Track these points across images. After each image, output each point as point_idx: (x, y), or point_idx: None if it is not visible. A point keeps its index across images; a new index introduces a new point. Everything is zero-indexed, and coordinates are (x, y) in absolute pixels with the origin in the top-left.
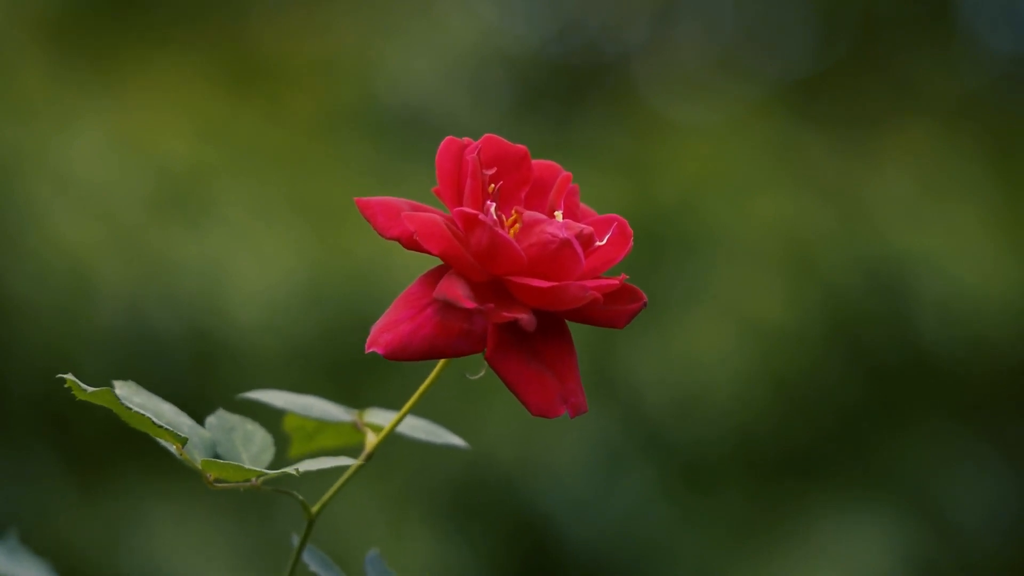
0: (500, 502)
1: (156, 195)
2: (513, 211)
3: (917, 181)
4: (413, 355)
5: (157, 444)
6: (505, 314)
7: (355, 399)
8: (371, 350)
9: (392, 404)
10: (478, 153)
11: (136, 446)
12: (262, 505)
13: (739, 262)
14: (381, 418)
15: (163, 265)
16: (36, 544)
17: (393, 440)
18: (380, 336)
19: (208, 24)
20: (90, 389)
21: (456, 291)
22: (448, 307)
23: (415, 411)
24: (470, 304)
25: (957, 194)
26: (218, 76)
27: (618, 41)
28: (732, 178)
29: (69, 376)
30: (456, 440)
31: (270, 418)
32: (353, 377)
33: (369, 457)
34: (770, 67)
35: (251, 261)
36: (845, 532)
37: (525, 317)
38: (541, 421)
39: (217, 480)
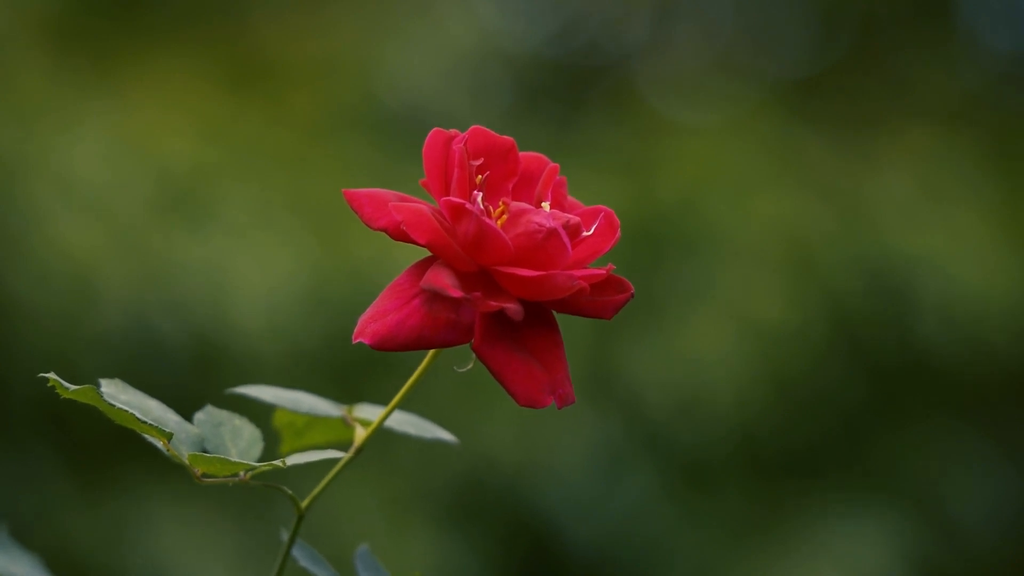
0: (501, 502)
1: (158, 197)
2: (500, 202)
3: (917, 181)
4: (400, 345)
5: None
6: (492, 303)
7: (358, 401)
8: (358, 340)
9: (398, 408)
10: (465, 144)
11: (137, 446)
12: (264, 505)
13: (740, 262)
14: (370, 413)
15: (165, 267)
16: (37, 544)
17: (394, 441)
18: (367, 326)
19: (209, 25)
20: (72, 387)
21: (443, 280)
22: (435, 297)
23: (410, 407)
24: (457, 293)
25: (957, 194)
26: (219, 77)
27: (618, 41)
28: (732, 178)
29: (52, 375)
30: (445, 435)
31: (261, 418)
32: (356, 380)
33: (359, 451)
34: (770, 67)
35: (253, 263)
36: (846, 532)
37: (512, 306)
38: (542, 422)
39: (205, 475)
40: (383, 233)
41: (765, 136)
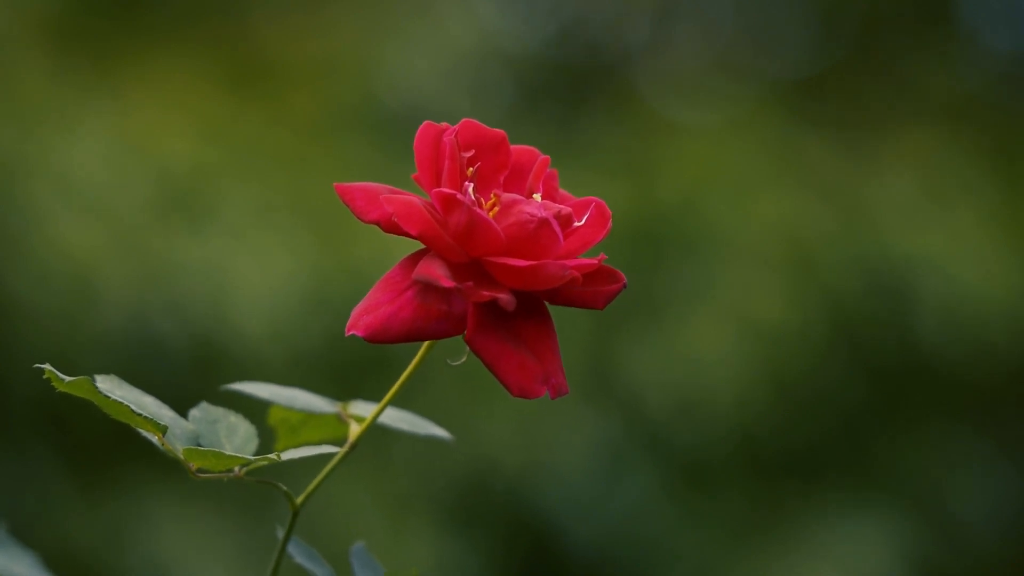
0: (502, 503)
1: (158, 197)
2: (492, 194)
3: (917, 182)
4: (394, 337)
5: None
6: (484, 293)
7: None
8: (351, 333)
9: (395, 406)
10: (456, 136)
11: (137, 447)
12: (263, 505)
13: (740, 263)
14: (365, 410)
15: (165, 268)
16: (37, 544)
17: (393, 439)
18: (360, 319)
19: (209, 25)
20: (68, 379)
21: (435, 271)
22: (428, 288)
23: (410, 406)
24: (449, 283)
25: (957, 195)
26: (219, 77)
27: (619, 42)
28: (733, 179)
29: (47, 367)
30: (439, 431)
31: (257, 416)
32: (356, 379)
33: (353, 446)
34: (770, 68)
35: (253, 264)
36: (846, 533)
37: (504, 296)
38: (543, 421)
39: (200, 470)
40: (375, 226)
41: (765, 136)
